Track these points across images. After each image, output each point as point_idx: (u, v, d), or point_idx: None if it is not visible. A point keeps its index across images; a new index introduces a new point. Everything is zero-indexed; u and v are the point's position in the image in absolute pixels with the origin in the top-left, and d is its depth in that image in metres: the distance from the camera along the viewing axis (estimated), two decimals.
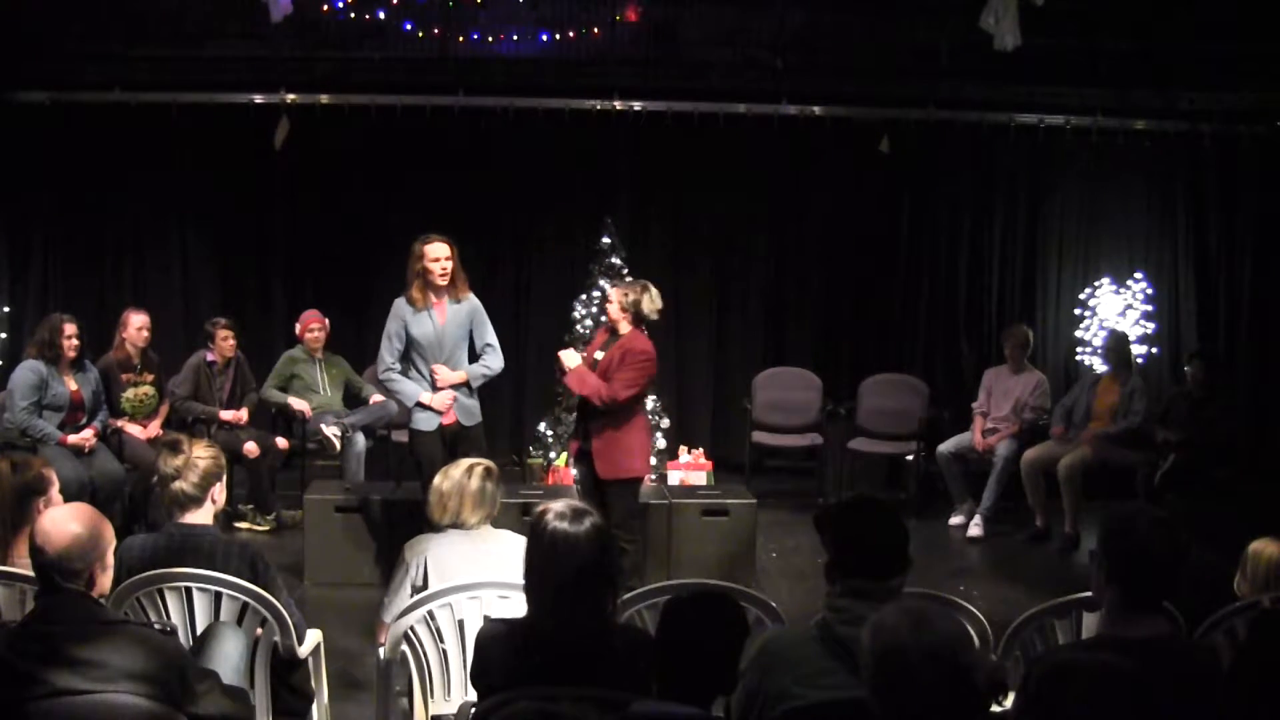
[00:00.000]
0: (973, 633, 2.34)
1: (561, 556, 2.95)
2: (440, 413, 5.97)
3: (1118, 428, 7.59)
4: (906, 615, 2.35)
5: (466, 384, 6.04)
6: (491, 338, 6.11)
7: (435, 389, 5.97)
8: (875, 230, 9.20)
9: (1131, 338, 8.50)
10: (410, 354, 6.01)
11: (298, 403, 7.60)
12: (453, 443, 5.99)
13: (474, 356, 6.11)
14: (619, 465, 5.84)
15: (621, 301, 5.88)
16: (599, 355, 5.92)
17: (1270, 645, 2.87)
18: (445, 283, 5.93)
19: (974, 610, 3.62)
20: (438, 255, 5.89)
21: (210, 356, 7.60)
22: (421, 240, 5.97)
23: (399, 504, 6.53)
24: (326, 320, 7.84)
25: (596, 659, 2.92)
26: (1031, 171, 9.19)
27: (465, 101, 8.70)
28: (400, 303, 5.99)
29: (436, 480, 4.25)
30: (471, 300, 6.07)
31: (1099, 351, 8.60)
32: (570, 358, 5.92)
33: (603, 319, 6.25)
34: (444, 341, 5.97)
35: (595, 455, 5.83)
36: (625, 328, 5.88)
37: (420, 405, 5.97)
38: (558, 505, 3.07)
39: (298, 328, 7.83)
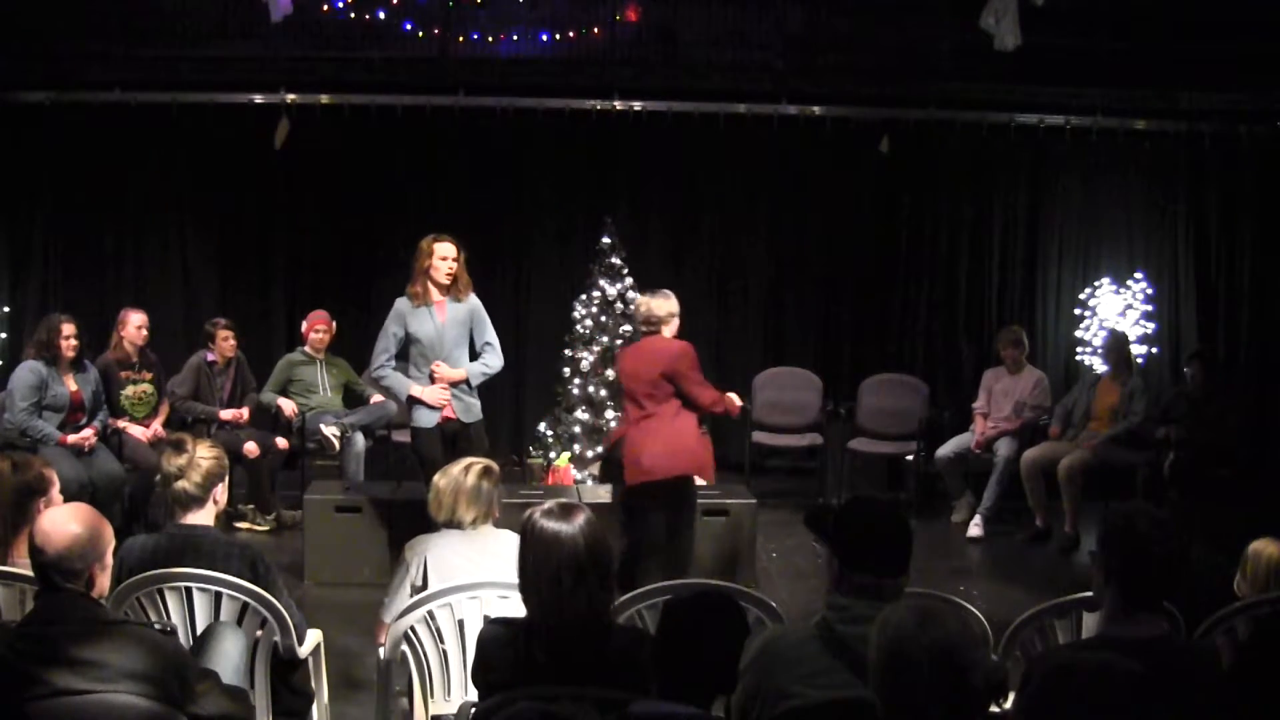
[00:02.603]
0: (978, 633, 2.33)
1: (551, 554, 2.96)
2: (436, 408, 6.00)
3: (1117, 428, 7.58)
4: (914, 612, 2.36)
5: (466, 382, 6.08)
6: (491, 336, 6.17)
7: (432, 385, 6.01)
8: (875, 230, 9.20)
9: (1131, 338, 8.49)
10: (410, 352, 6.07)
11: (286, 404, 7.62)
12: (453, 440, 6.02)
13: (474, 355, 6.15)
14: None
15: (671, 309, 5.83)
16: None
17: (1271, 646, 2.87)
18: (448, 282, 6.02)
19: (974, 610, 3.62)
20: (445, 254, 6.00)
21: (210, 356, 7.60)
22: (432, 238, 6.06)
23: (399, 504, 6.52)
24: (334, 324, 7.85)
25: (596, 658, 2.93)
26: (1031, 171, 9.19)
27: (465, 101, 8.70)
28: (401, 301, 6.07)
29: (435, 478, 4.26)
30: (472, 300, 6.13)
31: (1099, 352, 8.60)
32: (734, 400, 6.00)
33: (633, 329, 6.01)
34: (444, 339, 6.03)
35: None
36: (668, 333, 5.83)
37: (413, 399, 6.01)
38: (546, 504, 3.07)
39: (304, 326, 7.83)
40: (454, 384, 6.03)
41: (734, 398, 6.06)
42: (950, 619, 2.36)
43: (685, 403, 5.75)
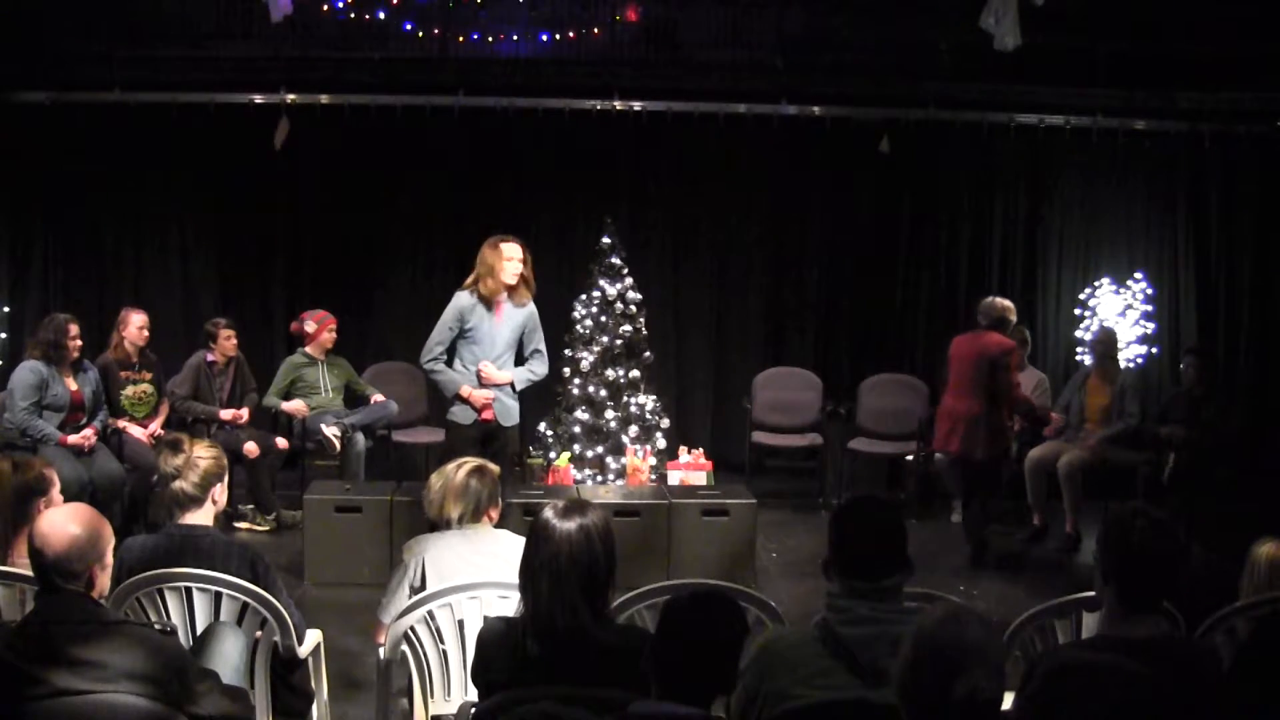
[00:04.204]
0: (992, 652, 2.25)
1: (542, 549, 3.01)
2: (477, 410, 6.03)
3: (1116, 429, 7.57)
4: (943, 613, 2.34)
5: (510, 385, 6.13)
6: (541, 344, 6.24)
7: (480, 386, 6.04)
8: (875, 230, 9.20)
9: (1131, 338, 8.47)
10: (457, 347, 6.10)
11: (293, 405, 7.61)
12: (486, 440, 6.06)
13: (519, 360, 6.23)
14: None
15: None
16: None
17: (1271, 645, 2.87)
18: (514, 283, 6.05)
19: (998, 634, 3.60)
20: (511, 255, 6.02)
21: (210, 356, 7.60)
22: (499, 238, 6.08)
23: (399, 504, 6.53)
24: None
25: (595, 657, 2.93)
26: (1031, 171, 9.19)
27: (465, 101, 8.70)
28: (462, 295, 6.07)
29: (431, 476, 4.27)
30: (530, 306, 6.18)
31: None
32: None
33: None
34: (496, 341, 6.07)
35: None
36: None
37: (459, 398, 6.04)
38: (559, 502, 3.11)
39: (309, 326, 7.80)
40: (498, 386, 6.06)
41: (1054, 414, 7.71)
42: (974, 627, 2.32)
43: (997, 393, 6.88)
